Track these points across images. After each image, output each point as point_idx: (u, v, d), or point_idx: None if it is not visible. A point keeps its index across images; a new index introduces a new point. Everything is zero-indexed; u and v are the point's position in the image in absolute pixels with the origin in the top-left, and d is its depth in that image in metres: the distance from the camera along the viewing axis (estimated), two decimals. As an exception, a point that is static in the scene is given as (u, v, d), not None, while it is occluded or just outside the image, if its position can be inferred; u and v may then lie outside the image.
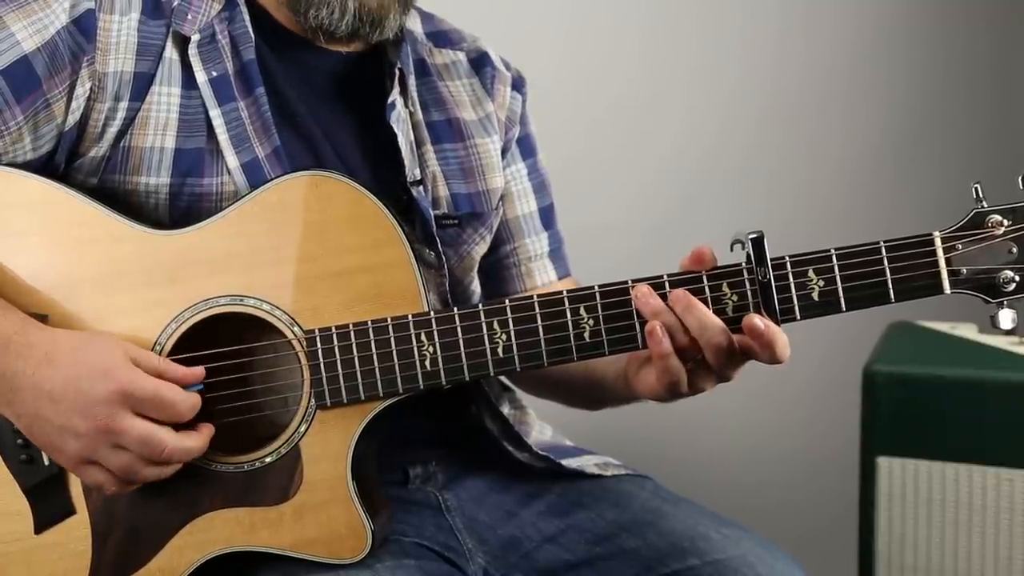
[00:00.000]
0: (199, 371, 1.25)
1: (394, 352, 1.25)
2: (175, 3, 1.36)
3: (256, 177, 1.33)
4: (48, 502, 1.28)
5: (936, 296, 1.21)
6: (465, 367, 1.26)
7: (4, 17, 1.29)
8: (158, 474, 1.23)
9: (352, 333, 1.25)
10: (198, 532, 1.28)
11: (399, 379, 1.26)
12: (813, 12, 2.67)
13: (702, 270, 1.23)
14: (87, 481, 1.26)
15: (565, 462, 1.50)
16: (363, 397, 1.26)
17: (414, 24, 1.55)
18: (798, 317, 1.22)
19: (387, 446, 1.38)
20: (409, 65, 1.49)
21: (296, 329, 1.26)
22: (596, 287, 1.24)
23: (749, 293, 1.22)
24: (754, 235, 1.21)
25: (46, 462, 1.27)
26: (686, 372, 1.23)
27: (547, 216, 1.62)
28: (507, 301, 1.25)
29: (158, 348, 1.26)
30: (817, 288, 1.21)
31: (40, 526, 1.28)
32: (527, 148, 1.62)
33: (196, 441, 1.23)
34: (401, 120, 1.44)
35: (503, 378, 1.57)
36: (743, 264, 1.22)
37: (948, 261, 1.20)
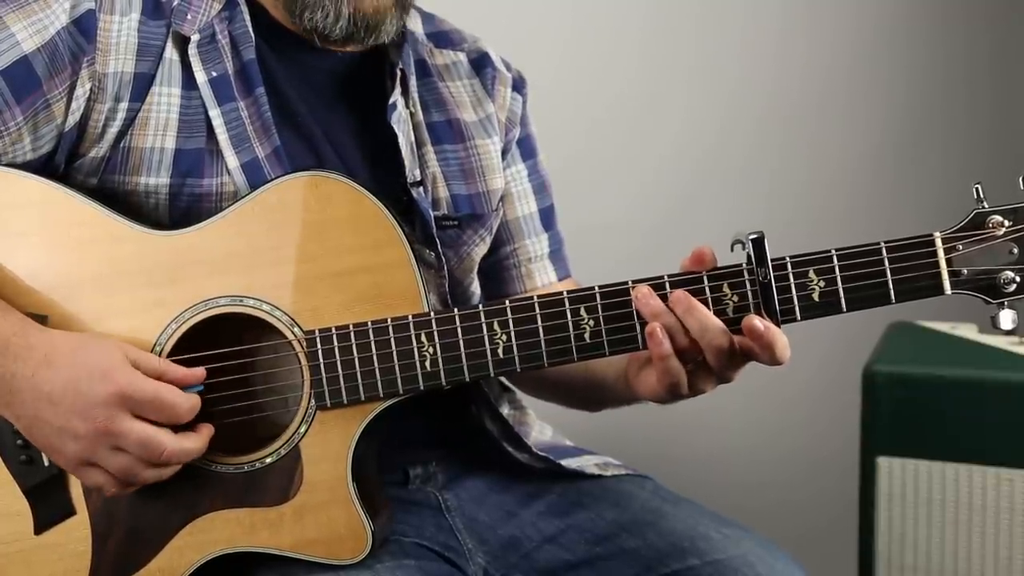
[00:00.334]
0: (199, 372, 1.25)
1: (394, 353, 1.25)
2: (175, 3, 1.35)
3: (256, 177, 1.33)
4: (48, 503, 1.28)
5: (937, 296, 1.21)
6: (465, 368, 1.25)
7: (4, 17, 1.29)
8: (157, 476, 1.23)
9: (352, 334, 1.25)
10: (198, 533, 1.27)
11: (399, 380, 1.26)
12: (813, 12, 2.67)
13: (703, 270, 1.23)
14: (87, 482, 1.26)
15: (565, 462, 1.50)
16: (363, 398, 1.26)
17: (415, 25, 1.55)
18: (799, 318, 1.22)
19: (387, 446, 1.38)
20: (410, 66, 1.49)
21: (296, 330, 1.26)
22: (596, 287, 1.24)
23: (750, 293, 1.22)
24: (754, 235, 1.21)
25: (46, 463, 1.27)
26: (686, 374, 1.23)
27: (547, 217, 1.62)
28: (507, 302, 1.25)
29: (158, 349, 1.26)
30: (818, 289, 1.21)
31: (40, 527, 1.28)
32: (527, 149, 1.62)
33: (195, 443, 1.23)
34: (402, 121, 1.44)
35: (503, 379, 1.57)
36: (743, 265, 1.22)
37: (949, 262, 1.20)
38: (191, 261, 1.27)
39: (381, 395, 1.26)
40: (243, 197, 1.28)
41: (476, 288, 1.53)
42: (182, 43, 1.35)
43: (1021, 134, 2.65)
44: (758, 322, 1.19)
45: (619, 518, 1.43)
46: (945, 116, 2.70)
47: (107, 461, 1.21)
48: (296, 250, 1.27)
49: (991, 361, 1.96)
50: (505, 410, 1.52)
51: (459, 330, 1.25)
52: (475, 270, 1.52)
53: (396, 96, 1.44)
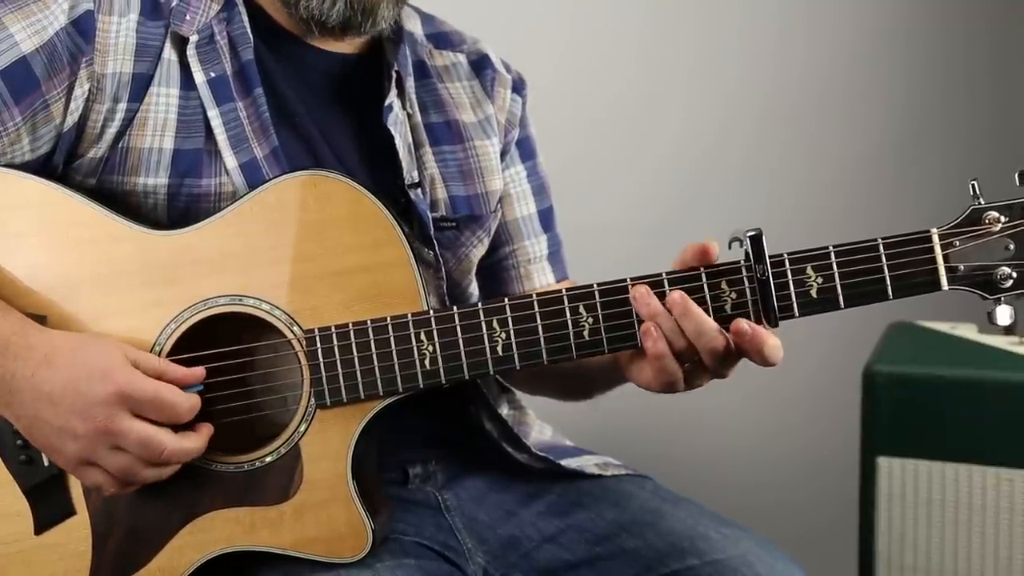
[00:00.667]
0: (199, 372, 1.25)
1: (394, 351, 1.25)
2: (173, 3, 1.35)
3: (254, 177, 1.33)
4: (48, 503, 1.28)
5: (935, 294, 1.21)
6: (465, 366, 1.26)
7: (3, 18, 1.29)
8: (157, 475, 1.23)
9: (351, 332, 1.25)
10: (198, 532, 1.28)
11: (399, 378, 1.26)
12: (813, 12, 2.67)
13: (702, 267, 1.23)
14: (86, 482, 1.26)
15: (565, 462, 1.50)
16: (363, 396, 1.26)
17: (414, 26, 1.55)
18: (797, 314, 1.22)
19: (387, 445, 1.38)
20: (407, 67, 1.49)
21: (295, 329, 1.26)
22: (595, 285, 1.24)
23: (748, 291, 1.22)
24: (752, 233, 1.21)
25: (46, 463, 1.27)
26: (682, 372, 1.24)
27: (546, 218, 1.62)
28: (506, 300, 1.25)
29: (157, 348, 1.26)
30: (816, 285, 1.21)
31: (40, 527, 1.28)
32: (527, 150, 1.62)
33: (195, 442, 1.23)
34: (399, 122, 1.44)
35: (500, 378, 1.57)
36: (742, 262, 1.23)
37: (946, 258, 1.20)
38: (190, 261, 1.27)
39: (381, 394, 1.26)
40: (242, 197, 1.28)
41: (474, 289, 1.53)
42: (180, 44, 1.35)
43: (1021, 134, 2.65)
44: (745, 325, 1.20)
45: (619, 518, 1.43)
46: (945, 116, 2.70)
47: (107, 461, 1.21)
48: (295, 249, 1.27)
49: (991, 361, 1.96)
50: (504, 410, 1.52)
51: (458, 328, 1.25)
52: (473, 271, 1.52)
53: (392, 98, 1.44)
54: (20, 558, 1.28)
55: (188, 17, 1.36)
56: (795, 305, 1.22)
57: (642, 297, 1.23)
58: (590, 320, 1.24)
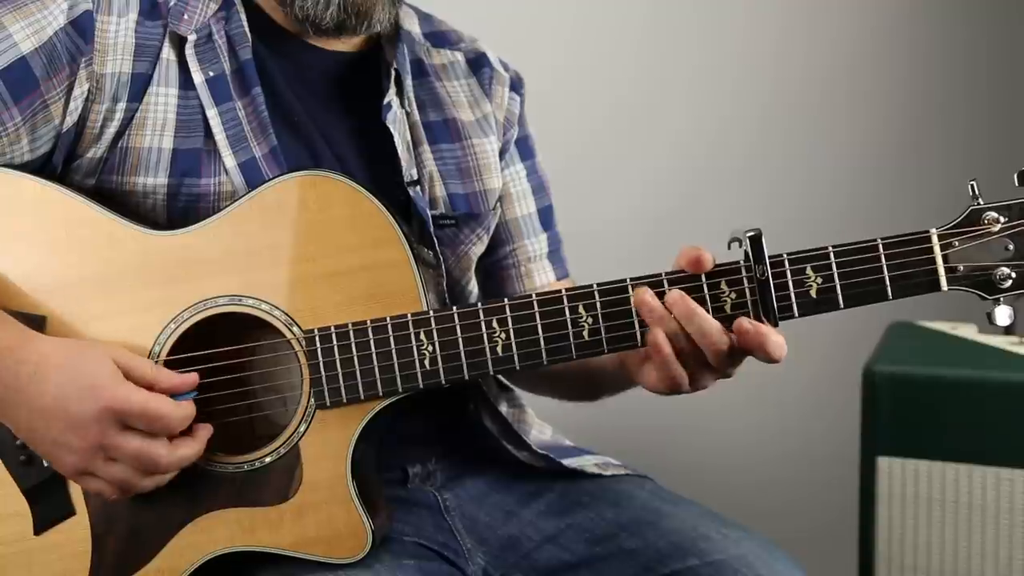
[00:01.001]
0: (192, 378, 1.24)
1: (393, 351, 1.25)
2: (171, 3, 1.36)
3: (254, 177, 1.33)
4: (47, 503, 1.28)
5: (934, 294, 1.21)
6: (465, 366, 1.26)
7: (2, 18, 1.29)
8: (156, 483, 1.23)
9: (351, 333, 1.25)
10: (198, 532, 1.27)
11: (399, 378, 1.26)
12: (813, 12, 2.67)
13: (696, 272, 1.23)
14: (87, 489, 1.26)
15: (565, 462, 1.50)
16: (362, 397, 1.26)
17: (412, 24, 1.55)
18: (796, 314, 1.22)
19: (387, 445, 1.38)
20: (406, 65, 1.49)
21: (295, 329, 1.26)
22: (595, 285, 1.24)
23: (747, 291, 1.22)
24: (752, 233, 1.21)
25: (45, 463, 1.27)
26: (688, 374, 1.24)
27: (546, 217, 1.62)
28: (506, 300, 1.25)
29: (156, 349, 1.26)
30: (815, 285, 1.22)
31: (40, 527, 1.28)
32: (526, 149, 1.62)
33: (191, 448, 1.23)
34: (398, 121, 1.44)
35: (504, 379, 1.57)
36: (741, 262, 1.23)
37: (945, 258, 1.20)
38: (189, 261, 1.27)
39: (380, 394, 1.26)
40: (241, 197, 1.28)
41: (474, 287, 1.53)
42: (179, 43, 1.35)
43: (1021, 134, 2.64)
44: (747, 323, 1.20)
45: (619, 518, 1.43)
46: (945, 116, 2.70)
47: (104, 472, 1.20)
48: (295, 250, 1.27)
49: (991, 361, 1.96)
50: (503, 408, 1.52)
51: (458, 328, 1.25)
52: (472, 269, 1.52)
53: (391, 96, 1.44)
54: (20, 558, 1.28)
55: (186, 16, 1.36)
56: (795, 305, 1.22)
57: (645, 302, 1.23)
58: (590, 320, 1.24)
